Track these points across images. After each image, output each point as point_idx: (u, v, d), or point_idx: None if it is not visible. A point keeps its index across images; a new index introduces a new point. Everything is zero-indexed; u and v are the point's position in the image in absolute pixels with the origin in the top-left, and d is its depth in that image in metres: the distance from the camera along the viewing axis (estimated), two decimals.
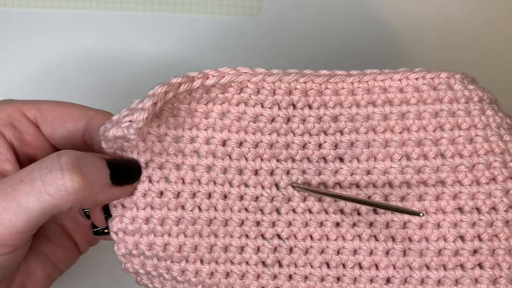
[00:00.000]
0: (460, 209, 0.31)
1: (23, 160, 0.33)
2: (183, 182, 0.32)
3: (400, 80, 0.32)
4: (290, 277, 0.32)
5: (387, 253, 0.32)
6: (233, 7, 0.48)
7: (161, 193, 0.32)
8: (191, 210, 0.32)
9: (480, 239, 0.31)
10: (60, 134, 0.33)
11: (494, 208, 0.31)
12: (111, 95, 0.47)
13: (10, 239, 0.28)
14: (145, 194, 0.32)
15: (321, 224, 0.32)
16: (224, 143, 0.32)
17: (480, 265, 0.31)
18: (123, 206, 0.32)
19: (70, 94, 0.46)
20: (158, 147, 0.32)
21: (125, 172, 0.31)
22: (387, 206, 0.31)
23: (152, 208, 0.32)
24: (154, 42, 0.48)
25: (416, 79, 0.32)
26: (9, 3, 0.48)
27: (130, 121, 0.29)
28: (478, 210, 0.31)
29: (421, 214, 0.28)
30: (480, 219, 0.31)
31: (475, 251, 0.31)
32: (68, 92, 0.47)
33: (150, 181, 0.32)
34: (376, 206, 0.31)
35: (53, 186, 0.27)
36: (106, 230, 0.33)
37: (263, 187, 0.32)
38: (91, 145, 0.33)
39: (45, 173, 0.27)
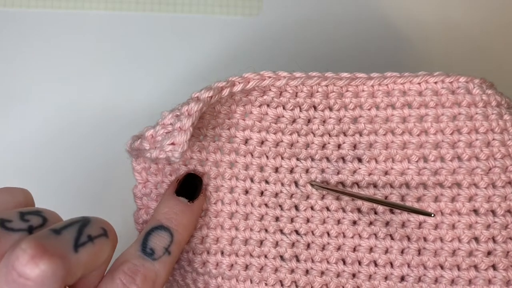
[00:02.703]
0: (475, 211, 0.32)
1: None
2: (208, 177, 0.33)
3: (419, 83, 0.33)
4: (307, 271, 0.33)
5: (402, 252, 0.32)
6: (233, 7, 0.48)
7: None
8: (215, 203, 0.33)
9: (494, 241, 0.31)
10: None
11: (509, 211, 0.31)
12: (110, 94, 0.48)
13: None
14: None
15: (338, 221, 0.33)
16: (246, 142, 0.33)
17: (494, 267, 0.31)
18: (149, 198, 0.34)
19: (70, 93, 0.47)
20: None
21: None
22: (400, 205, 0.32)
23: None
24: (154, 42, 0.49)
25: (435, 82, 0.32)
26: (9, 3, 0.48)
27: (173, 143, 0.29)
28: (493, 212, 0.32)
29: (432, 215, 0.28)
30: (495, 222, 0.31)
31: (489, 253, 0.31)
32: (67, 91, 0.48)
33: (177, 175, 0.33)
34: (389, 206, 0.32)
35: None
36: None
37: (282, 184, 0.33)
38: None
39: None
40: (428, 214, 0.29)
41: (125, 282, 0.27)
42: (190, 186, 0.33)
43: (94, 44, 0.49)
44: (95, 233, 0.26)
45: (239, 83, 0.32)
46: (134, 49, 0.49)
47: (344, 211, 0.33)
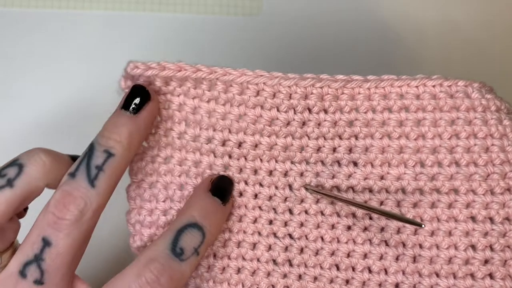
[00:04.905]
0: (473, 218, 0.31)
1: None
2: (202, 178, 0.33)
3: (417, 86, 0.32)
4: (300, 277, 0.32)
5: (397, 258, 0.32)
6: (233, 7, 0.48)
7: (182, 186, 0.33)
8: None
9: (492, 249, 0.31)
10: None
11: (507, 219, 0.31)
12: (110, 93, 0.48)
13: None
14: (166, 187, 0.33)
15: (333, 226, 0.32)
16: (239, 145, 0.33)
17: (491, 275, 0.31)
18: (142, 198, 0.33)
19: (70, 92, 0.48)
20: (178, 144, 0.33)
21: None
22: (390, 214, 0.31)
23: (172, 200, 0.33)
24: (154, 42, 0.49)
25: (433, 86, 0.32)
26: (9, 3, 0.49)
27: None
28: (491, 220, 0.31)
29: (423, 225, 0.28)
30: (492, 229, 0.31)
31: (486, 261, 0.31)
32: (67, 91, 0.48)
33: (171, 175, 0.33)
34: (379, 214, 0.31)
35: None
36: None
37: (276, 188, 0.33)
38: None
39: None
40: (419, 225, 0.28)
41: (150, 281, 0.27)
42: (222, 187, 0.32)
43: (94, 44, 0.49)
44: (101, 161, 0.29)
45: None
46: (134, 49, 0.49)
47: (338, 215, 0.32)
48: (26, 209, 0.32)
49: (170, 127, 0.33)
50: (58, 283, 0.28)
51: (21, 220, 0.31)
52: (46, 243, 0.27)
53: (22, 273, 0.27)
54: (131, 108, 0.31)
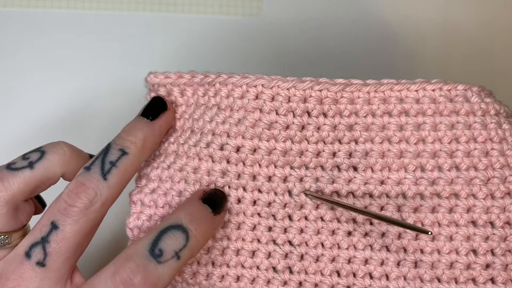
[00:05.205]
0: (474, 223, 0.31)
1: None
2: (200, 184, 0.33)
3: (416, 91, 0.32)
4: (300, 284, 0.32)
5: (398, 264, 0.31)
6: (233, 7, 0.48)
7: (180, 193, 0.33)
8: None
9: (493, 253, 0.30)
10: None
11: (508, 223, 0.30)
12: (110, 94, 0.48)
13: None
14: (165, 193, 0.33)
15: (333, 232, 0.32)
16: (238, 150, 0.32)
17: (492, 280, 0.30)
18: (142, 203, 0.33)
19: (70, 93, 0.47)
20: (181, 150, 0.33)
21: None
22: (397, 222, 0.31)
23: (170, 207, 0.33)
24: (154, 42, 0.49)
25: (433, 90, 0.31)
26: (9, 3, 0.49)
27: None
28: (492, 224, 0.31)
29: (429, 232, 0.27)
30: (493, 233, 0.30)
31: (487, 266, 0.30)
32: (68, 91, 0.48)
33: (172, 181, 0.33)
34: (384, 221, 0.31)
35: None
36: None
37: (275, 194, 0.32)
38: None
39: None
40: (425, 232, 0.28)
41: (123, 281, 0.27)
42: (213, 198, 0.32)
43: (94, 44, 0.49)
44: (115, 157, 0.30)
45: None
46: (134, 49, 0.49)
47: (339, 221, 0.32)
48: (44, 206, 0.34)
49: (179, 135, 0.34)
50: (59, 268, 0.29)
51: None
52: (54, 226, 0.29)
53: (28, 254, 0.29)
54: (148, 115, 0.33)
